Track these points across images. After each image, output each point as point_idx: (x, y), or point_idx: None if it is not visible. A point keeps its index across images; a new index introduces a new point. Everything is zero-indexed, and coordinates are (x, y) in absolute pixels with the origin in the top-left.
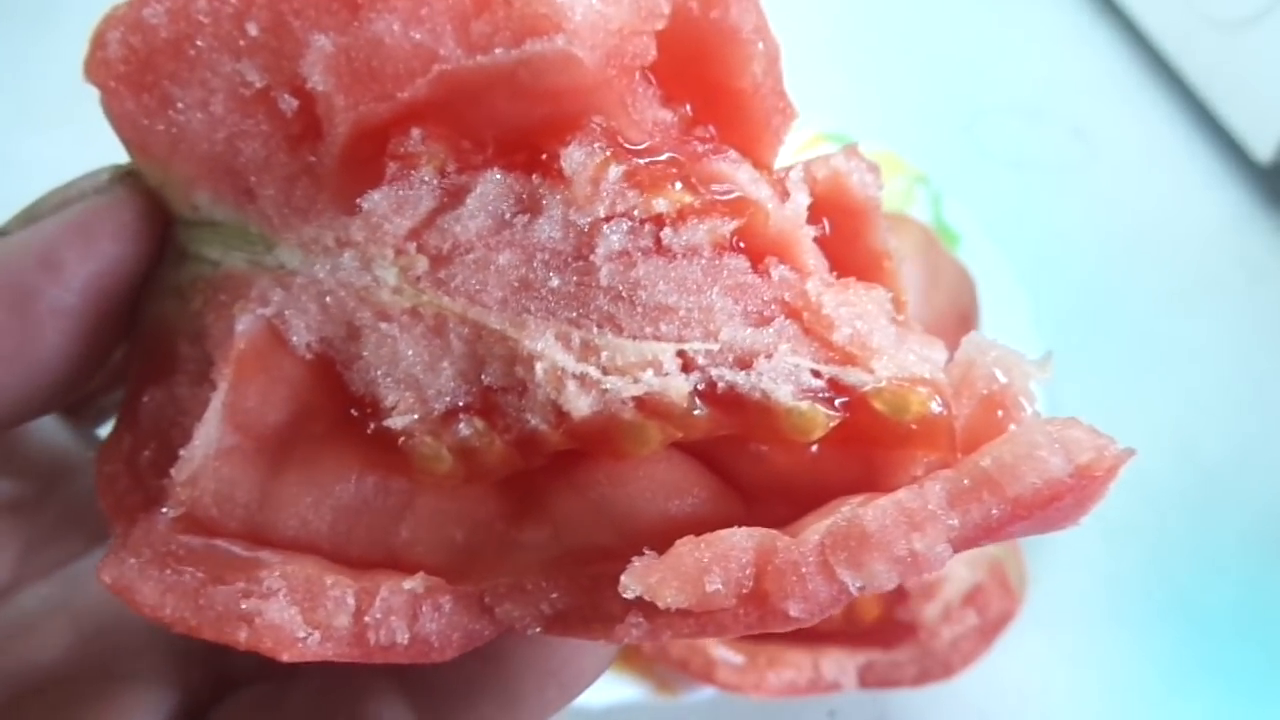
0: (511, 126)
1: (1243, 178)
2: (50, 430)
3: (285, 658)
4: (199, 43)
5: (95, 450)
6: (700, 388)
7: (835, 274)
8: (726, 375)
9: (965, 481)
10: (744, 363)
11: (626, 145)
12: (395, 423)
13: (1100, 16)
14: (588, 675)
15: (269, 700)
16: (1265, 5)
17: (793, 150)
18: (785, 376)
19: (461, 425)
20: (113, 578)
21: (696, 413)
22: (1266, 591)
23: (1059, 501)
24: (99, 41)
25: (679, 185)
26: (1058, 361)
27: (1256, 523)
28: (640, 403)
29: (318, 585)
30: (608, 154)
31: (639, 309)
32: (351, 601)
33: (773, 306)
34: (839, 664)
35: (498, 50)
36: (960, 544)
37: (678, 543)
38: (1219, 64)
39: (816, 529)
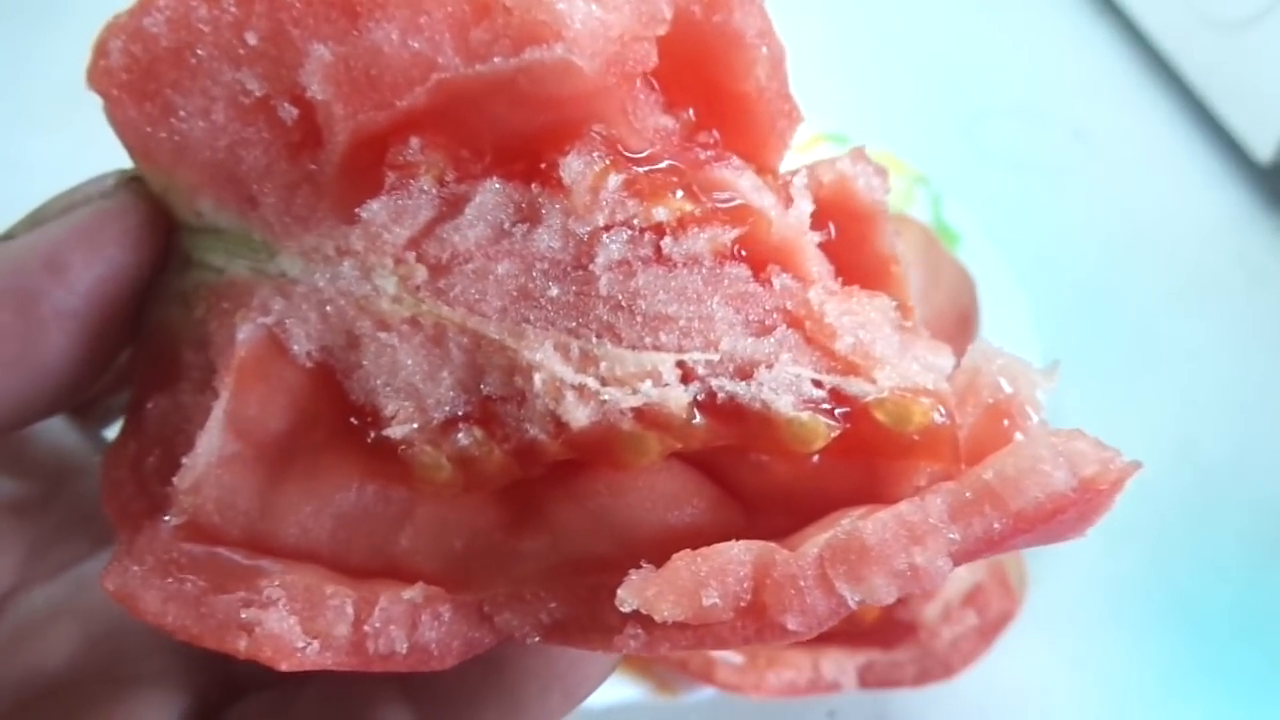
0: (511, 135)
1: (1242, 178)
2: (57, 431)
3: (284, 667)
4: (199, 51)
5: (102, 453)
6: (700, 398)
7: (841, 280)
8: (726, 385)
9: (967, 494)
10: (744, 373)
11: (626, 153)
12: (395, 432)
13: (1100, 16)
14: (591, 681)
15: (275, 708)
16: (1265, 5)
17: (792, 150)
18: (786, 387)
19: (461, 434)
20: (116, 585)
21: (696, 423)
22: (1266, 592)
23: (1062, 515)
24: (101, 50)
25: (680, 193)
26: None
27: (1256, 523)
28: (639, 414)
29: (317, 594)
30: (607, 163)
31: (638, 318)
32: (350, 611)
33: (774, 315)
34: (839, 664)
35: (496, 59)
36: (961, 557)
37: (674, 557)
38: (1219, 64)
39: (815, 542)
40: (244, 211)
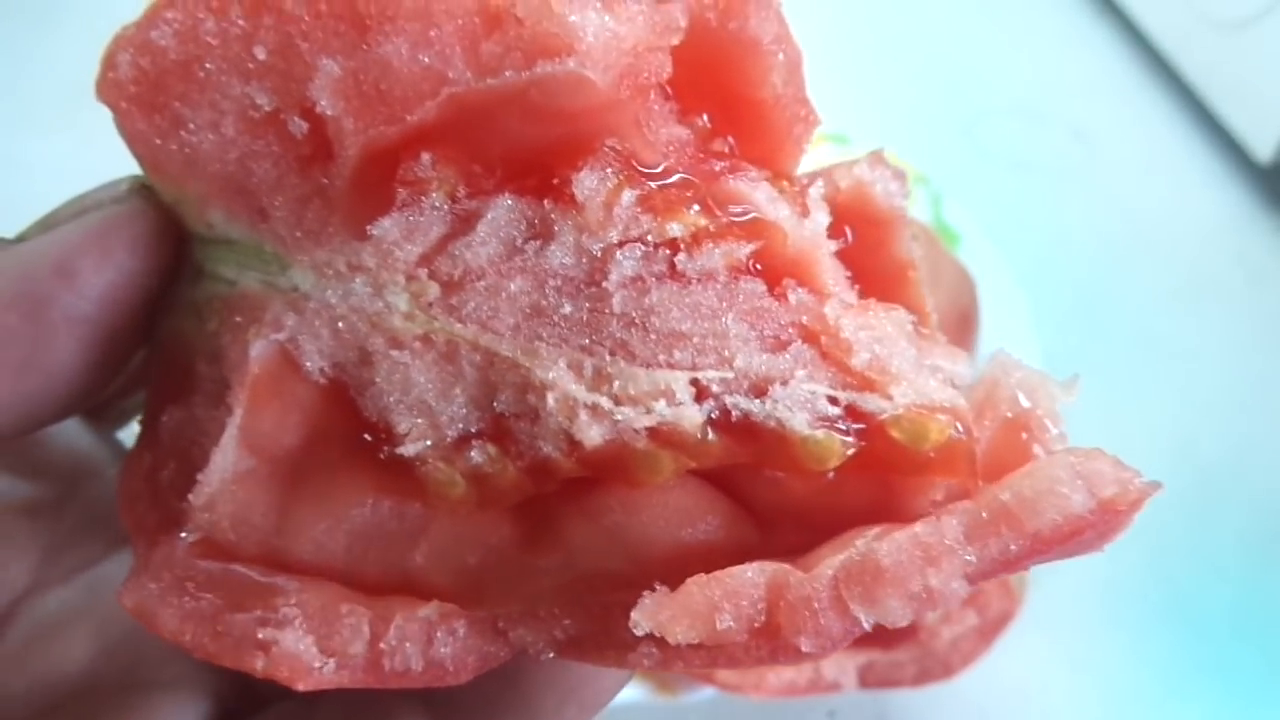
0: (523, 149)
1: (1242, 178)
2: (71, 433)
3: (301, 687)
4: (208, 65)
5: (116, 455)
6: (714, 416)
7: (857, 287)
8: (741, 403)
9: (983, 515)
10: (759, 390)
11: (640, 168)
12: (408, 450)
13: (1100, 17)
14: (607, 694)
15: (297, 718)
16: (1265, 5)
17: None
18: (801, 404)
19: (474, 451)
20: (134, 603)
21: (710, 442)
22: (1264, 592)
23: (1079, 536)
24: (109, 63)
25: (694, 208)
26: (1056, 362)
27: (1255, 523)
28: (653, 432)
29: (333, 612)
30: (621, 178)
31: (652, 336)
32: (366, 629)
33: (790, 331)
34: (839, 664)
35: (508, 72)
36: (976, 578)
37: (688, 581)
38: (1219, 64)
39: (830, 564)
40: (255, 224)
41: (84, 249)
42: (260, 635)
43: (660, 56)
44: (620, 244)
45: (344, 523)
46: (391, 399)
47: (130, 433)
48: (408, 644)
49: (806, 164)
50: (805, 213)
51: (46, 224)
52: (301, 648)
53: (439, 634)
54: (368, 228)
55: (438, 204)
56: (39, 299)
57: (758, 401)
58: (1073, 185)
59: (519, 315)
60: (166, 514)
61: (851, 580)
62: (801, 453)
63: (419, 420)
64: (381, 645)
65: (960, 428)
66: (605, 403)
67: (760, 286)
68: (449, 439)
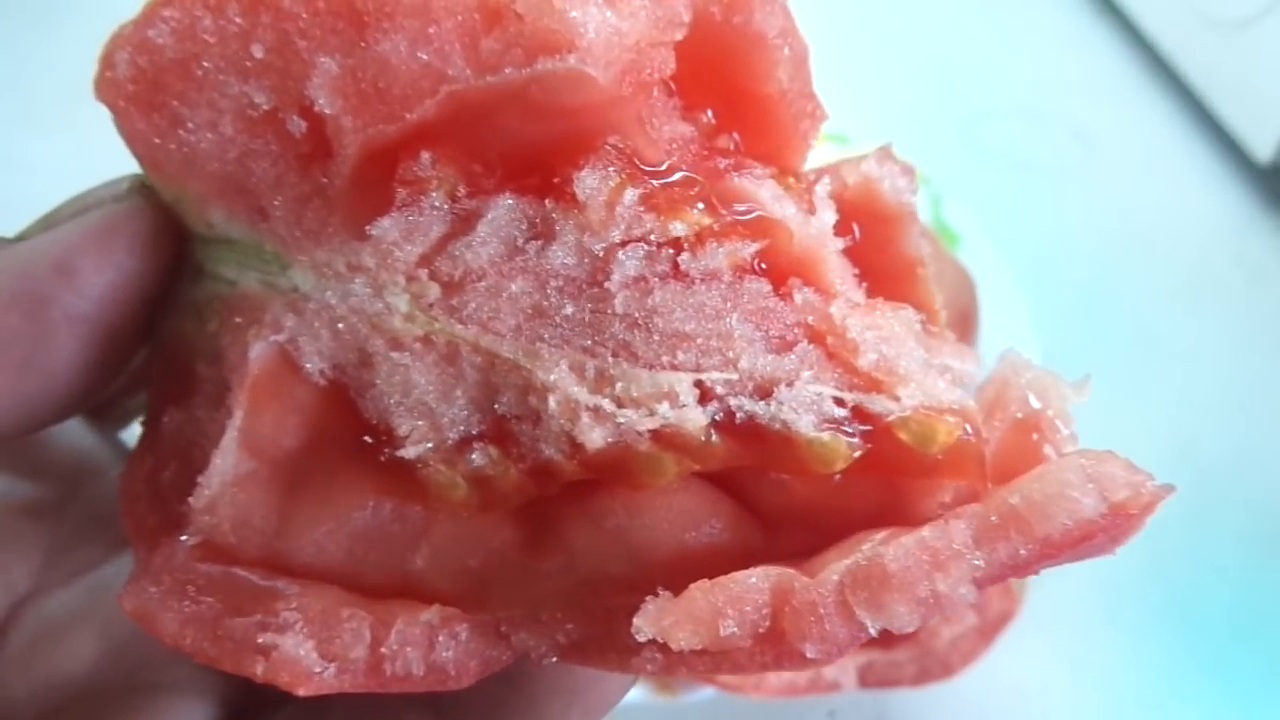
0: (524, 148)
1: (1242, 178)
2: (73, 433)
3: (302, 692)
4: (205, 64)
5: (119, 455)
6: (718, 418)
7: (865, 284)
8: (745, 405)
9: (992, 519)
10: (764, 391)
11: (643, 166)
12: (409, 452)
13: (1100, 16)
14: (611, 698)
15: None
16: (1265, 5)
17: None
18: (806, 406)
19: (476, 454)
20: (134, 606)
21: (714, 444)
22: (1264, 592)
23: (1090, 540)
24: (108, 62)
25: (698, 207)
26: (1056, 362)
27: (1254, 523)
28: (656, 435)
29: (333, 617)
30: (623, 177)
31: (655, 336)
32: (367, 633)
33: (795, 331)
34: (839, 664)
35: (508, 69)
36: (985, 583)
37: (692, 586)
38: (1219, 64)
39: (836, 569)
40: (255, 223)
41: (84, 248)
42: (260, 640)
43: (663, 52)
44: (623, 244)
45: (345, 525)
46: (392, 401)
47: (133, 433)
48: (409, 648)
49: (806, 164)
50: (811, 210)
51: (47, 223)
52: (302, 652)
53: (441, 638)
54: (367, 228)
55: (438, 203)
56: (39, 298)
57: (763, 403)
58: (1073, 185)
59: (520, 316)
60: (167, 516)
61: (858, 585)
62: (807, 455)
63: (420, 422)
64: (383, 650)
65: (969, 429)
66: (608, 405)
67: (765, 286)
68: (450, 441)
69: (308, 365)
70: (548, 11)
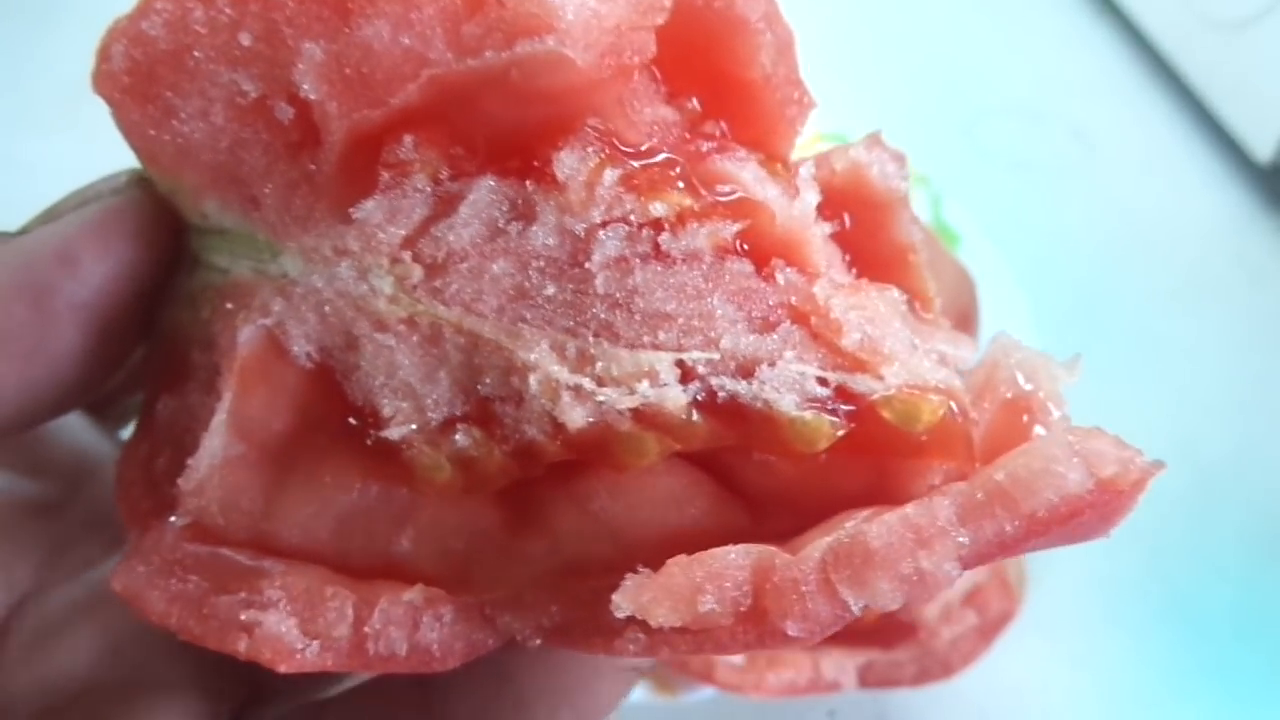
0: (505, 131)
1: (1242, 178)
2: (75, 430)
3: (283, 669)
4: (196, 54)
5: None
6: (700, 398)
7: (855, 271)
8: (727, 385)
9: (978, 495)
10: (746, 371)
11: (623, 147)
12: (393, 433)
13: (1100, 16)
14: (604, 703)
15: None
16: (1265, 5)
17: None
18: (789, 385)
19: (459, 435)
20: (123, 585)
21: (695, 423)
22: (1265, 592)
23: (1079, 517)
24: (104, 55)
25: (678, 187)
26: (1056, 361)
27: (1255, 523)
28: (637, 414)
29: (317, 596)
30: (602, 157)
31: (636, 316)
32: (350, 612)
33: (778, 311)
34: (839, 664)
35: (488, 53)
36: (971, 561)
37: (669, 561)
38: (1219, 64)
39: (818, 546)
40: (248, 212)
41: (83, 239)
42: (243, 617)
43: (643, 35)
44: (603, 224)
45: (331, 507)
46: (376, 382)
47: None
48: (392, 628)
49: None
50: (795, 193)
51: (48, 216)
52: (284, 630)
53: (425, 619)
54: (350, 210)
55: (420, 186)
56: (42, 288)
57: (744, 382)
58: (1072, 185)
59: (502, 297)
60: (159, 499)
61: (840, 562)
62: (790, 434)
63: (404, 404)
64: (366, 629)
65: (954, 408)
66: (588, 384)
67: (748, 267)
68: (434, 422)
69: (294, 348)
70: None
